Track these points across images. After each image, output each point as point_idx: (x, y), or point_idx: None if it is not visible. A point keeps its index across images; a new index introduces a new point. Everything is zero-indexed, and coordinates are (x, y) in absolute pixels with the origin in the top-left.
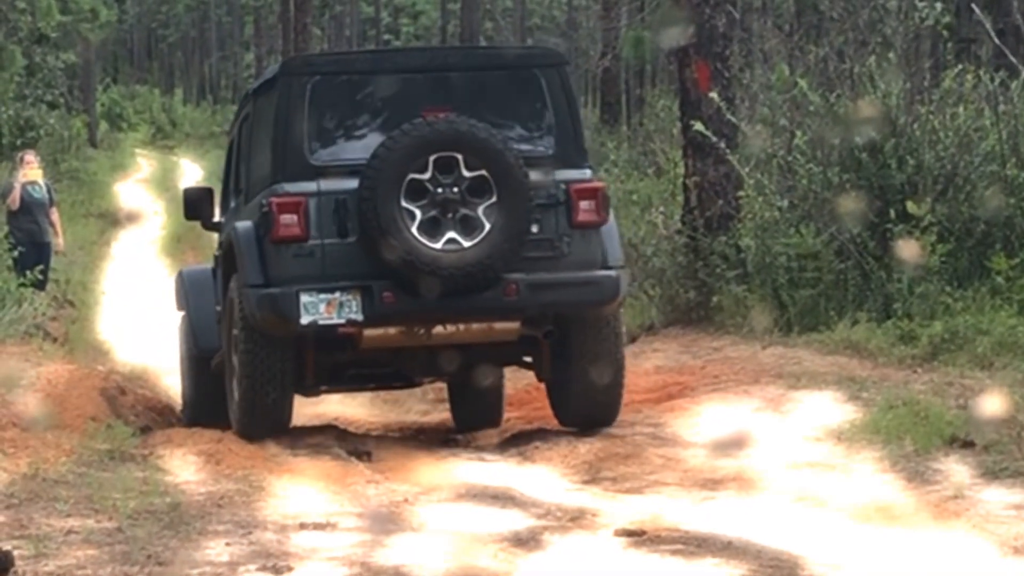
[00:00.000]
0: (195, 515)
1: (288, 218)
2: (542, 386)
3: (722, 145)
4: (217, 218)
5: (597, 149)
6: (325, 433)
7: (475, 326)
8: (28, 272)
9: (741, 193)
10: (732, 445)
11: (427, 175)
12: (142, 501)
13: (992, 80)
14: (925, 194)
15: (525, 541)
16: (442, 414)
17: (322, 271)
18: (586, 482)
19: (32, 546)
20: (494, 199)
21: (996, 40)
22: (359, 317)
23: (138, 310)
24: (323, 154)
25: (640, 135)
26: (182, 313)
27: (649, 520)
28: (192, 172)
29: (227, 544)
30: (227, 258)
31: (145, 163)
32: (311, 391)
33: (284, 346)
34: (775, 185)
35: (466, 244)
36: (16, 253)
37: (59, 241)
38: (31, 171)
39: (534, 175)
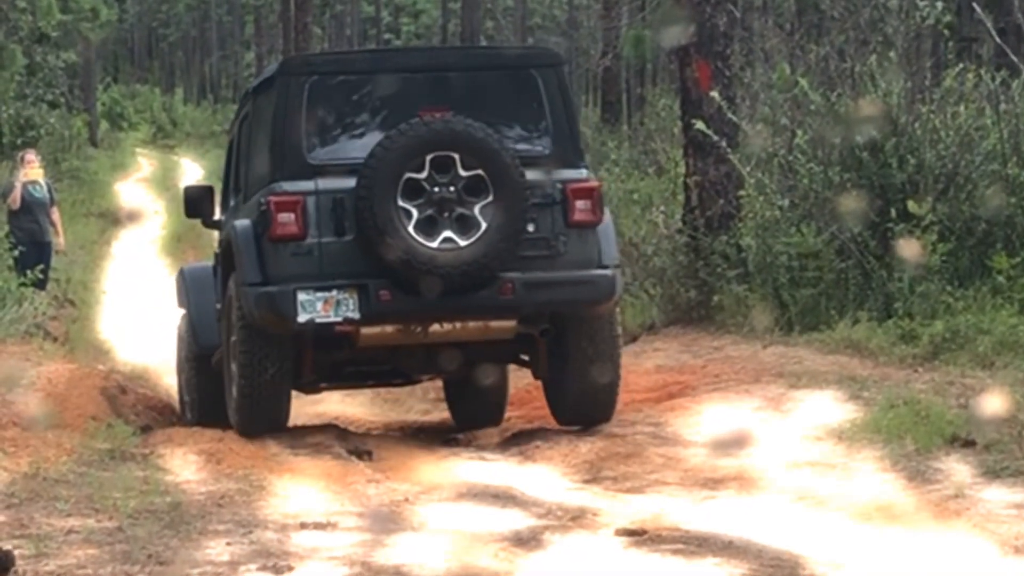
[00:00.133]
0: (196, 514)
1: (286, 217)
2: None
3: (723, 144)
4: (217, 216)
5: (598, 148)
6: (326, 432)
7: (471, 324)
8: (29, 271)
9: (742, 192)
10: (733, 444)
11: (424, 174)
12: (143, 500)
13: (993, 79)
14: (926, 193)
15: (526, 540)
16: (443, 413)
17: (320, 269)
18: (587, 481)
19: (33, 545)
20: (490, 198)
21: (997, 39)
22: (356, 315)
23: (139, 309)
24: (321, 153)
25: (641, 134)
26: (181, 313)
27: (650, 519)
28: (193, 171)
29: (228, 543)
30: (226, 256)
31: (146, 162)
32: (310, 388)
33: (282, 344)
34: (776, 184)
35: (462, 243)
36: (17, 252)
37: (60, 240)
38: (32, 170)
39: (530, 174)
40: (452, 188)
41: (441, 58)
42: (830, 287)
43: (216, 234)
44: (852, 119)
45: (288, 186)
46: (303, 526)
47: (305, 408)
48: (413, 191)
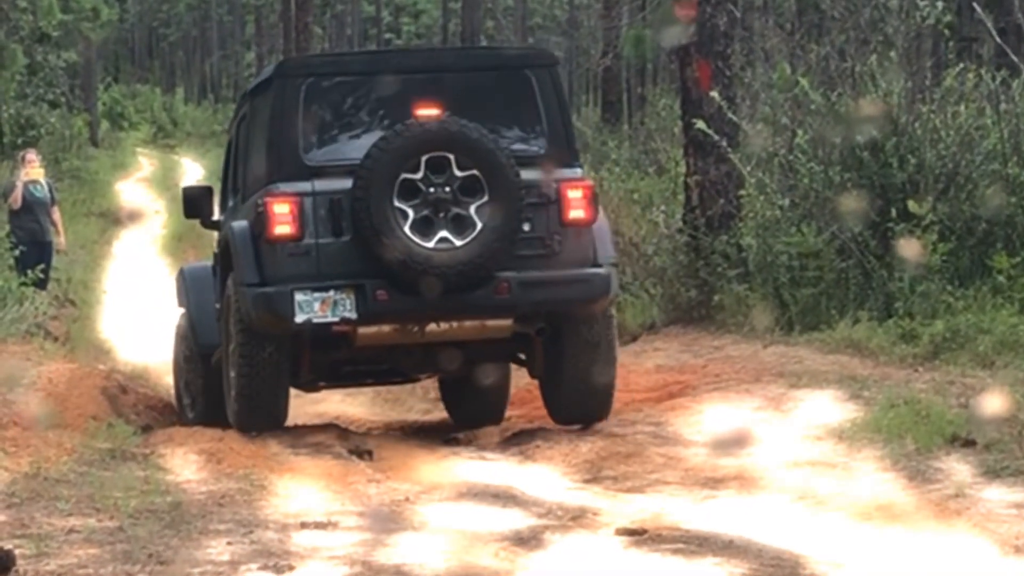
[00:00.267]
0: (196, 514)
1: (283, 217)
2: None
3: (723, 144)
4: (216, 216)
5: (599, 148)
6: (326, 432)
7: (468, 324)
8: (29, 271)
9: (742, 192)
10: (733, 444)
11: (419, 175)
12: (143, 500)
13: (993, 79)
14: (926, 193)
15: (526, 540)
16: (443, 413)
17: (317, 270)
18: (587, 481)
19: (33, 545)
20: (486, 198)
21: (997, 39)
22: (353, 315)
23: (139, 309)
24: (318, 154)
25: (641, 134)
26: (179, 313)
27: (650, 519)
28: (193, 171)
29: (228, 543)
30: (224, 257)
31: (146, 162)
32: (308, 386)
33: (280, 344)
34: (776, 184)
35: (458, 243)
36: (18, 252)
37: (60, 240)
38: (33, 170)
39: (525, 174)
40: (448, 188)
41: (437, 59)
42: (830, 287)
43: (216, 234)
44: (852, 119)
45: (285, 187)
46: (304, 526)
47: (305, 408)
48: (409, 192)
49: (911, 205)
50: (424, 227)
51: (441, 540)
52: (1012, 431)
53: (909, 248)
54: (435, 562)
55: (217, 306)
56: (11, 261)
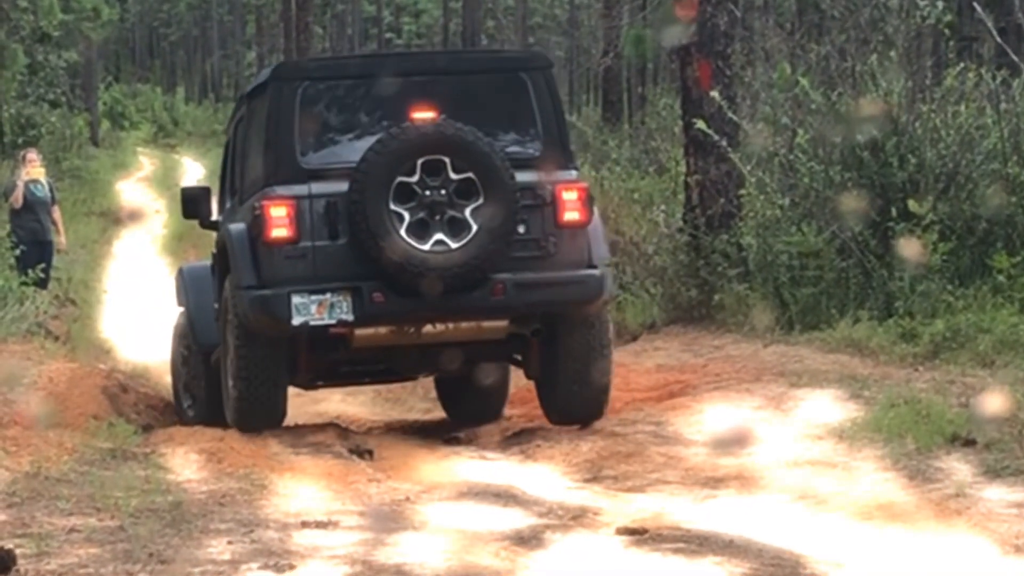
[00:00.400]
0: (197, 513)
1: (280, 220)
2: None
3: (724, 143)
4: (215, 216)
5: (599, 147)
6: (327, 431)
7: (464, 325)
8: (30, 270)
9: (743, 191)
10: (734, 443)
11: (415, 178)
12: (144, 499)
13: (994, 78)
14: (927, 192)
15: (527, 539)
16: (444, 412)
17: (313, 272)
18: (588, 480)
19: (34, 544)
20: (481, 201)
21: (998, 38)
22: (349, 318)
23: (140, 309)
24: (314, 157)
25: (642, 133)
26: (178, 313)
27: (651, 518)
28: (194, 170)
29: (229, 542)
30: (221, 259)
31: (147, 161)
32: (306, 386)
33: (278, 345)
34: (777, 183)
35: (453, 245)
36: (18, 251)
37: (61, 240)
38: (33, 169)
39: (520, 176)
40: (443, 191)
41: (432, 62)
42: (831, 286)
43: (215, 234)
44: (853, 118)
45: (282, 190)
46: (304, 525)
47: (306, 407)
48: (405, 195)
49: (911, 204)
50: (420, 230)
51: (442, 539)
52: (1012, 430)
53: (909, 247)
54: (436, 561)
55: (216, 306)
56: (12, 260)
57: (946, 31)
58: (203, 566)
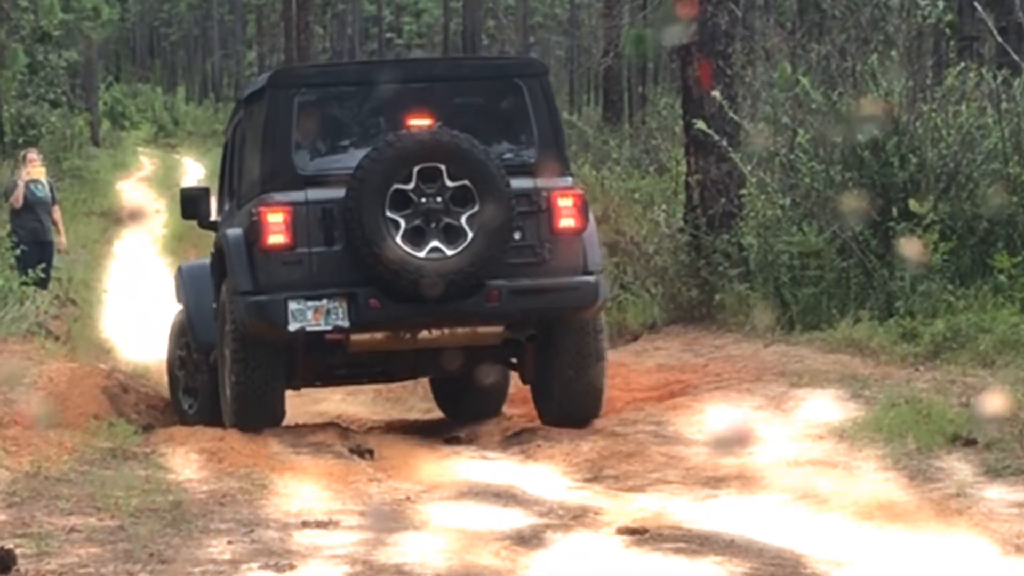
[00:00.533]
0: (197, 513)
1: (276, 227)
2: None
3: (724, 143)
4: (214, 217)
5: (600, 147)
6: (327, 431)
7: (459, 330)
8: (30, 270)
9: (743, 191)
10: (734, 443)
11: (411, 185)
12: (144, 499)
13: (994, 78)
14: (927, 192)
15: (527, 539)
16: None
17: (310, 278)
18: (588, 480)
19: (34, 544)
20: (476, 208)
21: (998, 38)
22: (345, 324)
23: (140, 308)
24: (311, 164)
25: (642, 133)
26: (175, 312)
27: (651, 518)
28: (194, 170)
29: (229, 542)
30: (219, 263)
31: (147, 161)
32: (304, 386)
33: (274, 350)
34: (777, 183)
35: (449, 252)
36: (19, 251)
37: (61, 239)
38: (34, 169)
39: (516, 183)
40: (439, 199)
41: (428, 69)
42: (831, 286)
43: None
44: (853, 118)
45: (278, 196)
46: (305, 525)
47: (306, 407)
48: (401, 202)
49: (912, 204)
50: (416, 237)
51: (442, 539)
52: (1013, 430)
53: (910, 247)
54: (436, 561)
55: (215, 306)
56: (12, 260)
57: (947, 31)
58: (203, 566)
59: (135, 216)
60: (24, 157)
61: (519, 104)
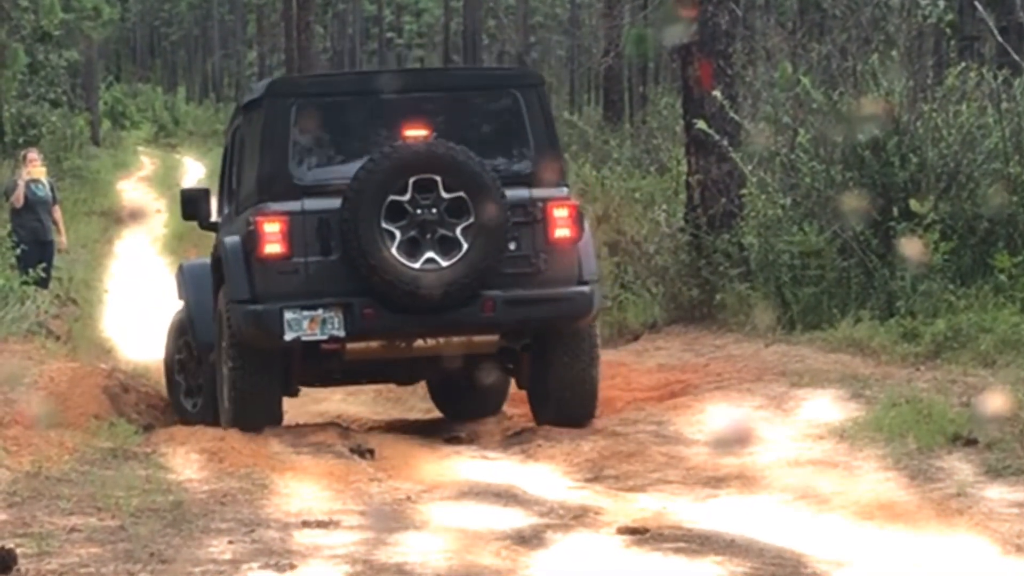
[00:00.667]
0: (198, 513)
1: (273, 236)
2: None
3: (725, 143)
4: (214, 218)
5: (600, 147)
6: (328, 431)
7: (455, 340)
8: (31, 270)
9: (744, 191)
10: (735, 443)
11: (407, 197)
12: (145, 499)
13: (995, 78)
14: (928, 192)
15: (528, 539)
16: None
17: (306, 288)
18: (589, 480)
19: (35, 544)
20: (472, 220)
21: (999, 38)
22: (341, 333)
23: (141, 308)
24: (307, 174)
25: (643, 133)
26: (174, 312)
27: (652, 518)
28: (195, 170)
29: (230, 542)
30: (217, 270)
31: (148, 161)
32: (302, 387)
33: (271, 358)
34: (778, 183)
35: (444, 264)
36: (19, 251)
37: (62, 239)
38: (34, 169)
39: (512, 193)
40: (434, 210)
41: (425, 79)
42: (832, 286)
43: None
44: (854, 118)
45: (275, 206)
46: (305, 524)
47: (307, 407)
48: (396, 213)
49: (913, 204)
50: (411, 248)
51: (443, 539)
52: (1014, 430)
53: (911, 247)
54: (437, 561)
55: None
56: (13, 260)
57: (947, 30)
58: (204, 566)
59: (135, 216)
60: (24, 157)
61: (515, 114)
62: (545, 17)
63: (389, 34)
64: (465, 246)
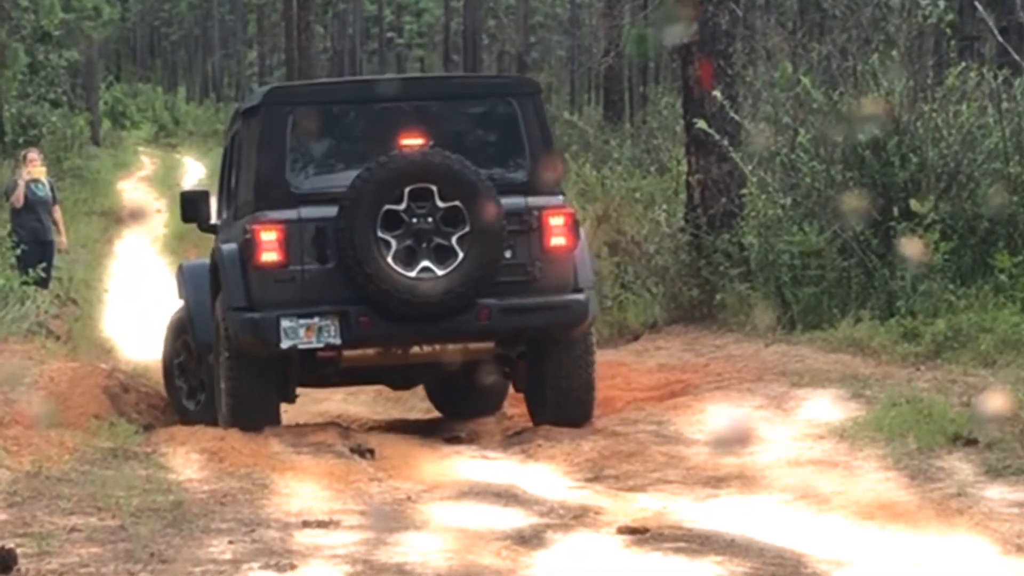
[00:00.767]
0: (198, 513)
1: (269, 244)
2: None
3: (725, 143)
4: (214, 220)
5: (601, 146)
6: (328, 431)
7: (451, 347)
8: (31, 270)
9: (744, 191)
10: (735, 443)
11: (402, 206)
12: (145, 499)
13: (995, 78)
14: (928, 192)
15: (528, 539)
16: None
17: (302, 296)
18: (589, 480)
19: (35, 544)
20: (467, 229)
21: (999, 38)
22: (337, 341)
23: (141, 308)
24: (304, 182)
25: (643, 133)
26: (173, 312)
27: (652, 518)
28: (195, 170)
29: (230, 542)
30: (214, 276)
31: (148, 161)
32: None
33: (268, 364)
34: (778, 183)
35: (440, 272)
36: (19, 251)
37: (62, 239)
38: (35, 169)
39: (508, 201)
40: (430, 219)
41: (422, 87)
42: (832, 286)
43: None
44: (854, 118)
45: (272, 214)
46: (305, 524)
47: (307, 407)
48: (392, 222)
49: (913, 204)
50: (406, 257)
51: (443, 539)
52: (1014, 430)
53: (911, 247)
54: (437, 561)
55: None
56: (13, 260)
57: (948, 30)
58: (204, 566)
59: (136, 216)
60: (25, 157)
61: (511, 123)
62: (545, 17)
63: (389, 34)
64: (461, 255)
